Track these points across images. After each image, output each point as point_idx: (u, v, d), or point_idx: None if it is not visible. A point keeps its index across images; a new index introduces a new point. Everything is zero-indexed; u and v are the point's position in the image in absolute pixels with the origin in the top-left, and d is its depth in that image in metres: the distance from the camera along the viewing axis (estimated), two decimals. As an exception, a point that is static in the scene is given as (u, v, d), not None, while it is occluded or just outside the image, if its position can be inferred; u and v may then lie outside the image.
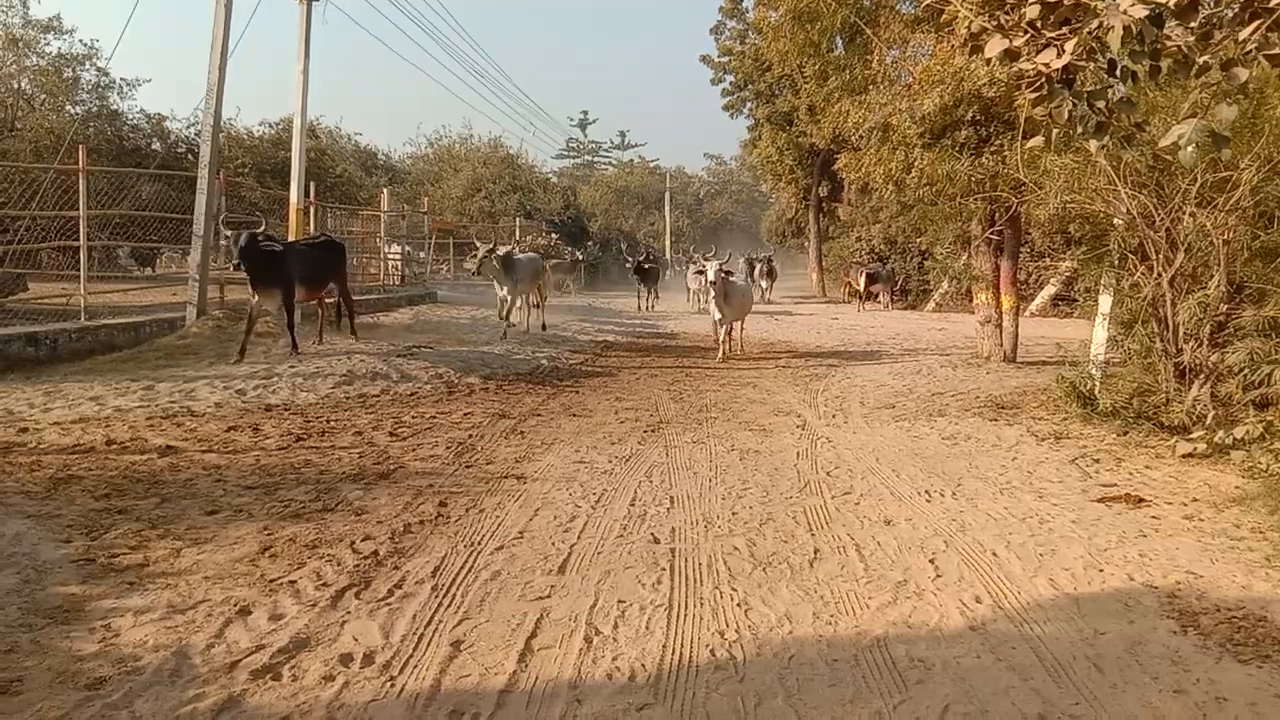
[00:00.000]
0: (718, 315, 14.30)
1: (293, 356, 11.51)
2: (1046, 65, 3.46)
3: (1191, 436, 7.14)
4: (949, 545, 5.07)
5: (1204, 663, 3.57)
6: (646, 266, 25.53)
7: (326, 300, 13.44)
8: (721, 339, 14.52)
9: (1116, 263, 8.67)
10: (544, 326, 17.39)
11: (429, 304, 21.49)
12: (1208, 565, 4.64)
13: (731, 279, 14.39)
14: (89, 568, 4.54)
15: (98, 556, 4.68)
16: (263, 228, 10.97)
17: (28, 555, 4.65)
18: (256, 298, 11.31)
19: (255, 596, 4.21)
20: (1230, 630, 3.83)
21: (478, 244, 16.40)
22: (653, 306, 25.33)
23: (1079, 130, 3.63)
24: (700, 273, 15.96)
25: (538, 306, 17.62)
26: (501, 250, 15.94)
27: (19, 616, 3.94)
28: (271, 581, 4.40)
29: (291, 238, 15.05)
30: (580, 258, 31.81)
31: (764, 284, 29.26)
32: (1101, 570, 4.63)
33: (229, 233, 11.35)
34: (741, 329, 15.51)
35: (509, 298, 15.83)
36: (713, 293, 13.72)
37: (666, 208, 55.43)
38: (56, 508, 5.46)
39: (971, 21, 3.78)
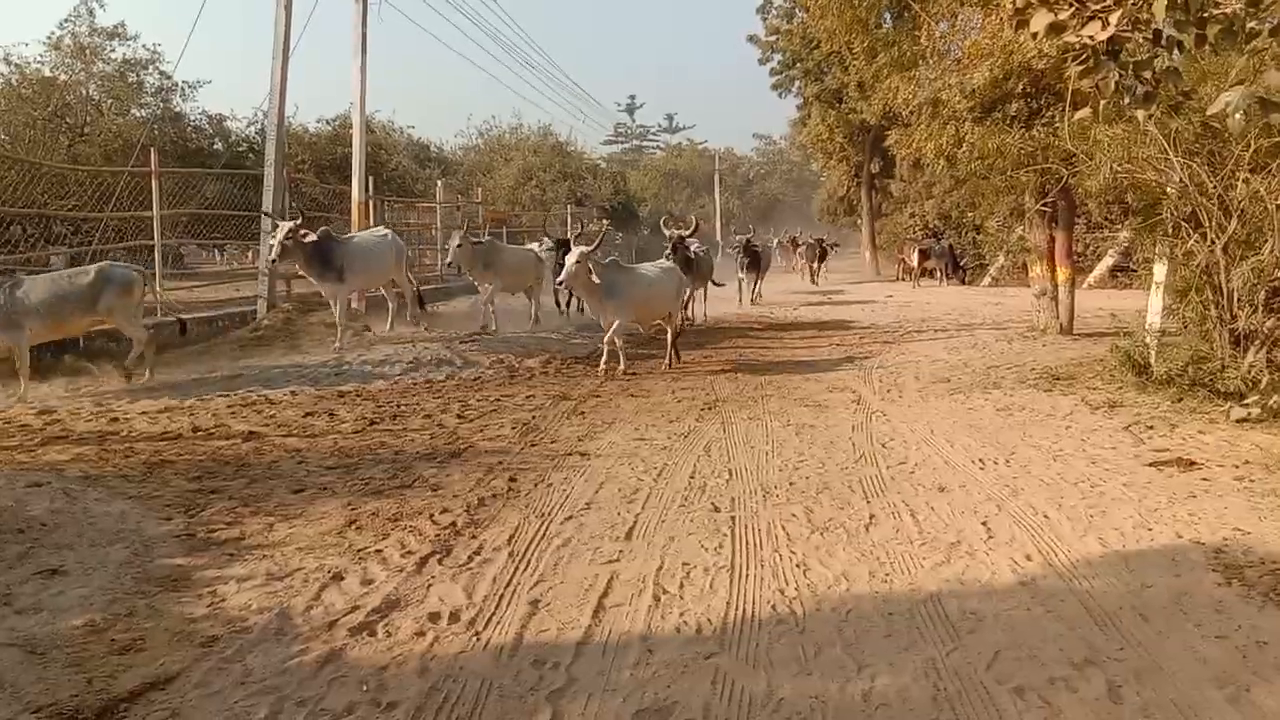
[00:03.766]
0: (600, 316, 10.65)
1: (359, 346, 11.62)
2: (1092, 38, 3.56)
3: (1246, 402, 7.19)
4: (1001, 509, 5.24)
5: (1246, 611, 3.73)
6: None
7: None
8: (607, 345, 10.57)
9: (1170, 231, 8.68)
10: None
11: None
12: (1255, 522, 4.76)
13: (629, 265, 11.33)
14: (190, 541, 4.90)
15: (197, 531, 5.05)
16: None
17: (134, 531, 5.03)
18: None
19: (346, 564, 4.53)
20: (1274, 581, 3.96)
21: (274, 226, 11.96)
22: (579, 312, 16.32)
23: (1126, 100, 3.72)
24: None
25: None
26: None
27: (133, 585, 4.30)
28: (359, 551, 4.72)
29: (354, 232, 15.51)
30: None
31: (742, 276, 21.29)
32: (1150, 529, 4.77)
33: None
34: (673, 329, 11.42)
35: None
36: (575, 286, 10.26)
37: (716, 190, 55.44)
38: (154, 489, 5.86)
39: (1017, -4, 3.89)
